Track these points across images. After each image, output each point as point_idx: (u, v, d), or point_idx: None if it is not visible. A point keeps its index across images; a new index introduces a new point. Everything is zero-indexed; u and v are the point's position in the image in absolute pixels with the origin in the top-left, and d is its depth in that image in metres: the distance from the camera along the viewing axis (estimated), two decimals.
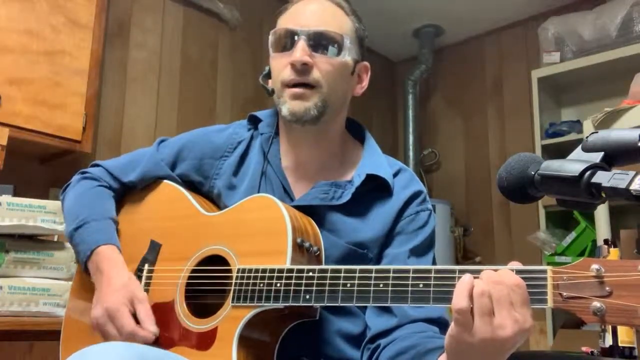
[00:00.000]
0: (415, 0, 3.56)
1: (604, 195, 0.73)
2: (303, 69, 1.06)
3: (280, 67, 1.10)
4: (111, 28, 2.64)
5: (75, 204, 1.21)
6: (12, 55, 2.05)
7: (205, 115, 3.01)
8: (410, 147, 3.93)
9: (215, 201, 1.20)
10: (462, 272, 0.79)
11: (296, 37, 1.08)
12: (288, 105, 1.08)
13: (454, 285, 0.78)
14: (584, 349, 2.07)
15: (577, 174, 0.73)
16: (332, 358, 1.04)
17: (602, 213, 2.66)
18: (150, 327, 1.01)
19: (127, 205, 1.25)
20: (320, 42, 1.08)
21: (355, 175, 1.12)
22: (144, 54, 2.82)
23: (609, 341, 1.89)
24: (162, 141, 1.27)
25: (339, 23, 1.12)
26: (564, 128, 3.29)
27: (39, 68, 2.10)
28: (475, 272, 0.78)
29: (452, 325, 0.77)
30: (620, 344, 1.85)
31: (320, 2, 1.13)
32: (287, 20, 1.13)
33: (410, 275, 0.83)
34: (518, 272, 0.76)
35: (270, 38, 1.13)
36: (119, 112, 2.68)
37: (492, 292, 0.73)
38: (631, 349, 1.84)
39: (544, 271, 0.75)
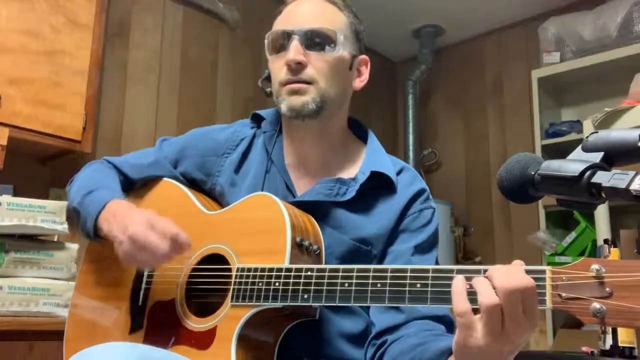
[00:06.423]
0: (415, 0, 3.56)
1: (604, 195, 0.72)
2: (297, 67, 1.08)
3: (277, 68, 1.12)
4: (111, 28, 2.64)
5: (83, 182, 1.20)
6: (12, 55, 2.04)
7: (205, 115, 3.01)
8: (410, 147, 3.93)
9: (217, 199, 1.20)
10: (459, 272, 0.79)
11: (290, 37, 1.10)
12: (286, 102, 1.10)
13: (451, 285, 0.78)
14: (584, 349, 2.07)
15: (577, 174, 0.73)
16: (332, 358, 1.04)
17: (602, 213, 2.65)
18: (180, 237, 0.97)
19: (128, 202, 1.24)
20: (313, 39, 1.10)
21: (359, 173, 1.13)
22: (144, 54, 2.81)
23: (609, 341, 1.89)
24: (164, 140, 1.29)
25: (332, 19, 1.13)
26: (564, 128, 3.29)
27: (39, 68, 2.10)
28: (469, 272, 0.78)
29: (457, 330, 0.76)
30: (620, 344, 1.85)
31: (313, 0, 1.15)
32: (280, 22, 1.15)
33: (408, 275, 0.83)
34: None
35: (266, 41, 1.15)
36: (119, 112, 2.68)
37: (505, 304, 0.71)
38: (631, 349, 1.84)
39: (543, 271, 0.74)
